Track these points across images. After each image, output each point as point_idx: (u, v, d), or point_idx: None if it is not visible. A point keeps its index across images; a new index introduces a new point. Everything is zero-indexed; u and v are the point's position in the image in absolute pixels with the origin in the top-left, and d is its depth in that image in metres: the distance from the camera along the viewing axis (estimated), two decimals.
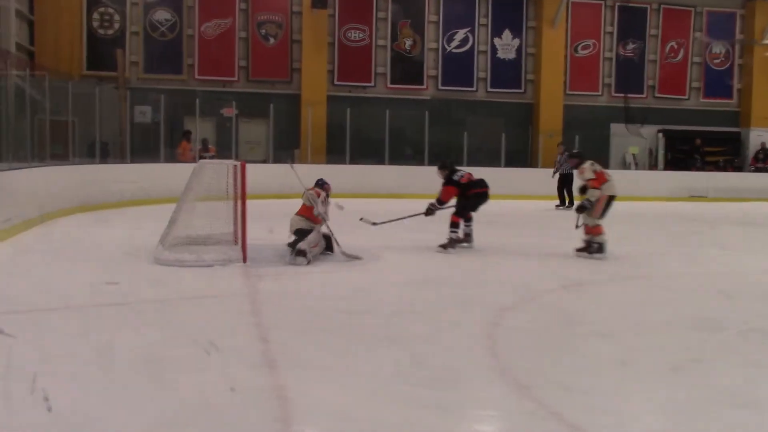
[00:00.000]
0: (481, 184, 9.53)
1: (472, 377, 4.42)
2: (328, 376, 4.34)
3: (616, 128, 22.87)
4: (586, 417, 3.81)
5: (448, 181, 9.45)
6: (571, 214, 9.86)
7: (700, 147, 22.58)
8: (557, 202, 16.85)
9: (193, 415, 3.73)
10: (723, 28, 23.71)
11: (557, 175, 16.96)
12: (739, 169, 22.66)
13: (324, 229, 8.76)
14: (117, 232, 10.67)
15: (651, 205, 18.09)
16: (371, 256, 8.70)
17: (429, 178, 18.14)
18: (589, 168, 9.12)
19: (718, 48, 23.72)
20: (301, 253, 8.06)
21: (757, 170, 22.16)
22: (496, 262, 8.83)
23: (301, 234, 8.42)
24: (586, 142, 21.05)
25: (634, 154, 22.93)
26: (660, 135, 22.96)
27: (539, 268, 8.46)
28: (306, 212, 8.73)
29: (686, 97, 23.55)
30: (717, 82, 23.84)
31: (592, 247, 8.97)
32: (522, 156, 21.81)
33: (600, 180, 9.03)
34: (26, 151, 11.30)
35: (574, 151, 9.98)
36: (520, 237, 11.53)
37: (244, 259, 7.88)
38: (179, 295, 6.56)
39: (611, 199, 9.04)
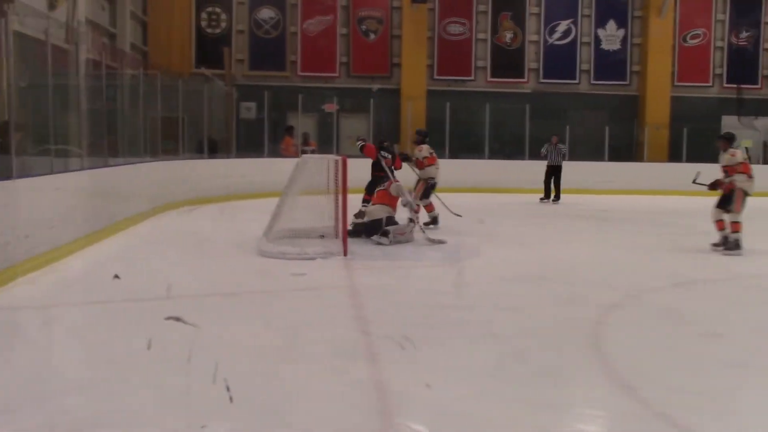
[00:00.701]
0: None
1: (576, 375, 4.31)
2: (430, 371, 4.30)
3: (728, 121, 21.80)
4: (696, 419, 3.64)
5: None
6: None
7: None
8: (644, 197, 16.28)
9: (293, 407, 3.75)
10: None
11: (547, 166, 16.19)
12: None
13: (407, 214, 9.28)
14: (224, 225, 10.96)
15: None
16: (472, 250, 8.64)
17: (530, 171, 18.77)
18: (741, 154, 9.15)
19: None
20: (385, 233, 8.69)
21: None
22: (604, 258, 8.63)
23: (371, 223, 8.98)
24: (696, 136, 20.40)
25: (747, 148, 21.44)
26: None
27: (650, 264, 8.21)
28: (385, 199, 9.25)
29: None
30: None
31: (729, 243, 8.75)
32: (627, 150, 21.18)
33: (746, 170, 8.90)
34: (139, 147, 11.72)
35: (726, 132, 9.76)
36: (632, 233, 11.19)
37: (345, 252, 7.93)
38: (283, 287, 6.62)
39: (746, 194, 8.84)
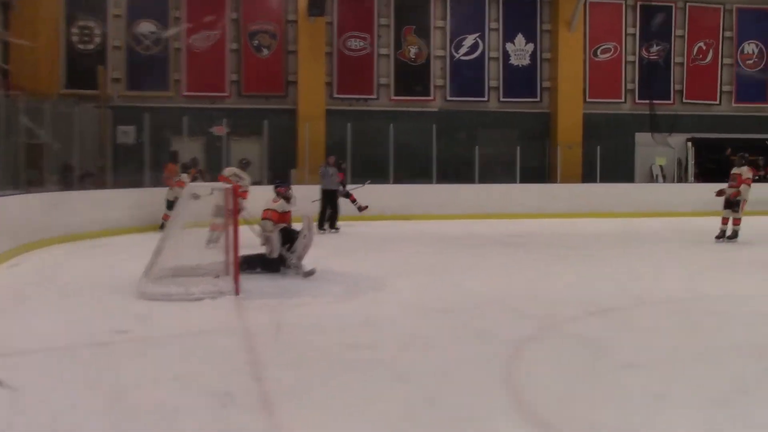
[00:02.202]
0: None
1: (491, 416, 4.32)
2: (332, 419, 4.25)
3: (642, 138, 23.01)
4: None
5: None
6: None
7: (730, 156, 22.32)
8: (557, 221, 16.75)
9: None
10: (757, 27, 23.90)
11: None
12: None
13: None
14: (98, 263, 10.56)
15: (683, 222, 17.98)
16: (378, 283, 8.61)
17: (438, 195, 19.00)
18: (747, 170, 13.24)
19: (751, 49, 23.88)
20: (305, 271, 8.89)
21: None
22: (517, 287, 8.73)
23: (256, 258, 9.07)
24: (609, 153, 21.29)
25: (661, 166, 22.93)
26: (689, 144, 23.00)
27: (565, 292, 8.33)
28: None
29: (717, 102, 23.73)
30: (750, 85, 23.95)
31: (732, 233, 13.18)
32: (540, 170, 21.84)
33: (749, 182, 13.22)
34: None
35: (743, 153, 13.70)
36: (546, 259, 11.38)
37: (237, 291, 7.75)
38: (165, 333, 6.42)
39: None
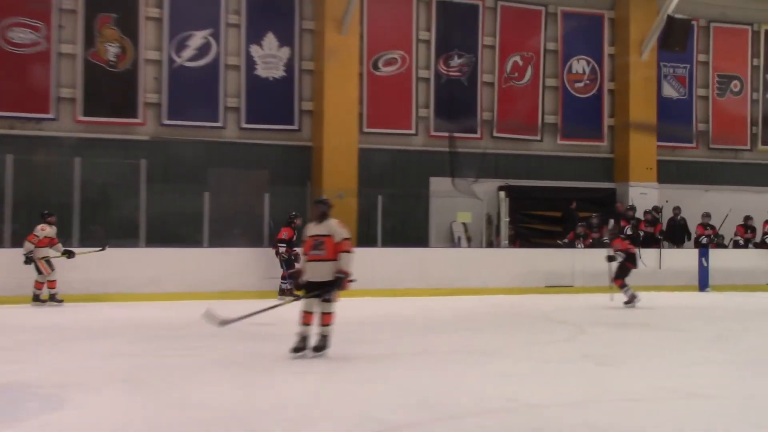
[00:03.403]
0: None
1: None
2: None
3: (439, 184, 23.13)
4: None
5: None
6: None
7: (576, 212, 23.56)
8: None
9: None
10: (585, 37, 25.20)
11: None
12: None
13: None
14: None
15: (493, 300, 18.52)
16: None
17: (150, 267, 18.39)
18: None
19: (581, 68, 25.15)
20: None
21: (646, 241, 23.01)
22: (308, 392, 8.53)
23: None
24: (396, 206, 21.51)
25: (464, 224, 23.12)
26: (501, 194, 23.14)
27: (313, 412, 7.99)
28: None
29: (538, 137, 24.65)
30: (582, 116, 25.22)
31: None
32: (299, 230, 20.82)
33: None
34: None
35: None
36: (277, 366, 10.82)
37: None
38: None
39: None
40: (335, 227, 10.74)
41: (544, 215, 23.83)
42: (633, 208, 23.59)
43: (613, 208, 23.83)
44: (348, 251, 10.69)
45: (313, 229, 10.87)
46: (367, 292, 17.97)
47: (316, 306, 10.72)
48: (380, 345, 12.34)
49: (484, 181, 23.50)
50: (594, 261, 19.70)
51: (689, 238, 24.26)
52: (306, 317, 10.74)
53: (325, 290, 10.63)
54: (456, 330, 14.24)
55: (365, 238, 20.76)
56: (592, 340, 13.25)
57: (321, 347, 10.67)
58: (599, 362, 10.72)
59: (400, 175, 22.64)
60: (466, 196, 23.21)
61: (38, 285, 16.92)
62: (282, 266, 18.79)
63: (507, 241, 22.90)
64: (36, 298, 16.95)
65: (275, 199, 20.41)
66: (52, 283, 17.01)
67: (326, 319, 10.73)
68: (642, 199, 24.32)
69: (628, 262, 18.15)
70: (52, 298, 16.95)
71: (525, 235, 23.28)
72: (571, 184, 24.34)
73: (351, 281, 10.85)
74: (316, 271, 10.68)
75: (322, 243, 10.69)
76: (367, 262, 18.10)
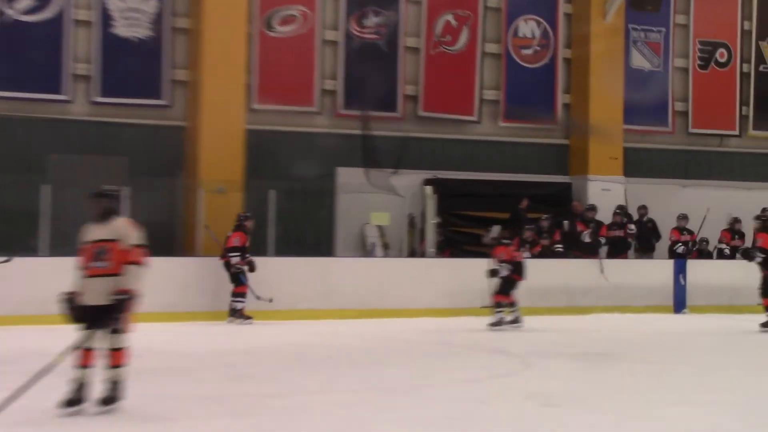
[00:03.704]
0: None
1: None
2: None
3: (348, 175, 23.16)
4: None
5: None
6: None
7: (525, 213, 23.31)
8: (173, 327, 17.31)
9: None
10: None
11: None
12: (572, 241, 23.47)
13: None
14: None
15: (416, 325, 18.64)
16: None
17: None
18: None
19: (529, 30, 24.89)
20: None
21: (614, 248, 23.16)
22: None
23: None
24: (294, 203, 21.78)
25: (381, 228, 22.98)
26: (429, 189, 22.89)
27: None
28: None
29: (474, 118, 24.35)
30: (530, 92, 25.05)
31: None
32: (165, 231, 21.03)
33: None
34: None
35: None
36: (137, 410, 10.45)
37: None
38: None
39: None
40: (124, 229, 9.74)
41: (481, 216, 23.46)
42: (593, 208, 23.36)
43: (569, 207, 23.86)
44: (138, 263, 9.66)
45: (93, 232, 9.76)
46: (255, 314, 18.71)
47: (100, 340, 9.58)
48: (268, 382, 12.21)
49: (406, 172, 23.39)
50: (544, 274, 19.58)
51: (657, 240, 24.37)
52: (85, 357, 9.58)
53: (109, 318, 9.49)
54: (367, 363, 14.07)
55: (253, 245, 20.17)
56: (540, 376, 13.12)
57: (111, 399, 9.61)
58: (547, 403, 10.58)
59: (299, 165, 22.08)
60: (382, 191, 23.13)
61: None
62: (236, 280, 18.89)
63: (434, 249, 22.57)
64: None
65: (137, 194, 19.66)
66: None
67: (116, 358, 9.69)
68: (604, 197, 24.21)
69: (515, 274, 18.32)
70: None
71: (457, 242, 23.06)
72: (515, 177, 24.15)
73: (134, 304, 9.67)
74: (96, 291, 9.58)
75: (105, 251, 9.66)
76: (255, 276, 18.03)
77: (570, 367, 13.66)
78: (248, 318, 18.61)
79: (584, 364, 14.00)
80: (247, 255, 18.88)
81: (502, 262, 18.06)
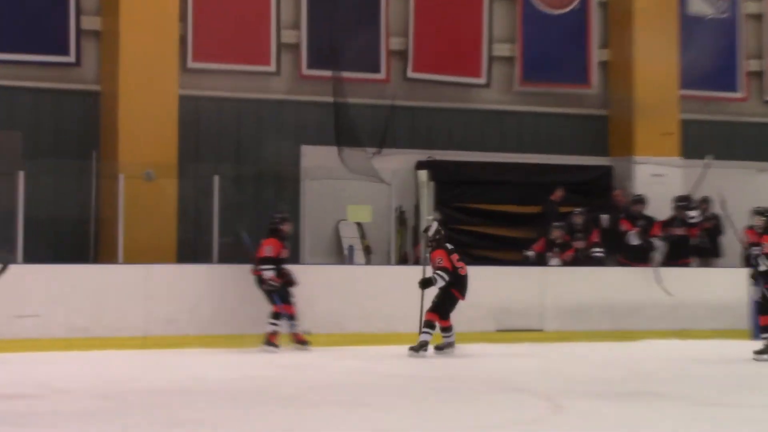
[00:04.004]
0: None
1: None
2: None
3: (317, 157, 22.78)
4: None
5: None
6: None
7: (556, 206, 23.14)
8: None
9: None
10: None
11: None
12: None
13: None
14: None
15: (405, 352, 18.38)
16: None
17: None
18: None
19: None
20: None
21: (673, 251, 22.27)
22: None
23: None
24: (238, 195, 22.44)
25: (361, 225, 22.86)
26: (423, 174, 22.13)
27: None
28: None
29: (482, 80, 23.86)
30: (555, 46, 24.40)
31: None
32: (77, 229, 21.80)
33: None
34: None
35: None
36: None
37: None
38: None
39: None
40: None
41: (492, 211, 23.66)
42: (641, 200, 22.74)
43: (609, 198, 23.25)
44: None
45: None
46: (198, 339, 18.98)
47: None
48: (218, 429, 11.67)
49: (392, 152, 22.75)
50: (579, 288, 19.30)
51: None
52: None
53: None
54: (347, 403, 13.42)
55: (192, 247, 21.09)
56: (574, 422, 12.37)
57: None
58: None
59: (251, 142, 22.34)
60: (362, 177, 22.47)
61: None
62: (272, 298, 19.22)
63: (428, 254, 21.88)
64: None
65: (36, 179, 20.03)
66: None
67: None
68: (655, 185, 23.46)
69: (455, 289, 17.98)
70: None
71: (462, 244, 22.51)
72: (537, 159, 23.59)
73: None
74: None
75: None
76: (193, 291, 17.76)
77: (612, 412, 12.65)
78: (301, 343, 19.47)
79: (631, 408, 12.98)
80: (283, 267, 19.01)
81: (438, 269, 17.77)
